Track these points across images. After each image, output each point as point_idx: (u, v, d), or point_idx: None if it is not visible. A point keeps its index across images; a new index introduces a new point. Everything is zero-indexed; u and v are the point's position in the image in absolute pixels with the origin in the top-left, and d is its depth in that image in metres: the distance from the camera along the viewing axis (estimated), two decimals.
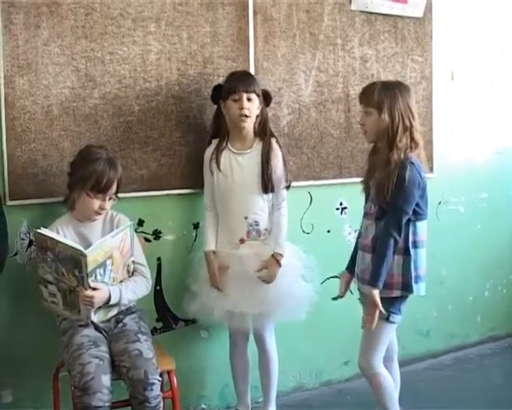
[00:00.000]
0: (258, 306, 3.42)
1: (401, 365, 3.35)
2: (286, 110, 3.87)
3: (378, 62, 4.18)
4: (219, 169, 3.45)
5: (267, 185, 3.44)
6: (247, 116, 3.40)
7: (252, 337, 3.63)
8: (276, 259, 3.43)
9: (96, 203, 3.08)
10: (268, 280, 3.41)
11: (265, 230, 3.48)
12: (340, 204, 4.15)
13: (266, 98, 3.54)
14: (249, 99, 3.40)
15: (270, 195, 3.48)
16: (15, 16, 3.17)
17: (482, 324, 4.92)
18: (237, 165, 3.45)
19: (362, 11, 4.09)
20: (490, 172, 4.83)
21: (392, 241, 3.00)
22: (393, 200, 3.00)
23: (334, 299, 3.32)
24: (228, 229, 3.49)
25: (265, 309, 3.44)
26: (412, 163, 3.02)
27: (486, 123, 4.79)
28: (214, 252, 3.51)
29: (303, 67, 3.94)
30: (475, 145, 4.75)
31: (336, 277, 3.87)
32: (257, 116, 3.47)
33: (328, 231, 4.12)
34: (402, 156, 3.01)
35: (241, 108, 3.39)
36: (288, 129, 3.89)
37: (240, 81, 3.43)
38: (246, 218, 3.45)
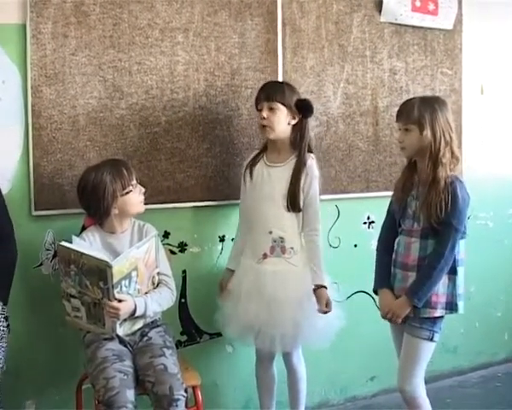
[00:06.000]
0: (281, 326, 3.27)
1: (427, 381, 3.29)
2: (314, 122, 3.80)
3: (407, 75, 4.13)
4: (251, 179, 3.39)
5: (292, 203, 3.30)
6: (265, 126, 3.30)
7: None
8: (320, 290, 3.27)
9: (136, 192, 3.09)
10: (326, 311, 3.26)
11: (291, 248, 3.33)
12: (368, 218, 4.10)
13: (302, 109, 3.34)
14: (271, 108, 3.28)
15: (300, 214, 3.35)
16: (44, 26, 3.16)
17: (510, 341, 4.84)
18: (268, 177, 3.35)
19: (391, 23, 4.05)
20: None
21: (444, 262, 2.94)
22: (447, 219, 2.93)
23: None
24: (252, 241, 3.39)
25: (289, 330, 3.29)
26: (461, 181, 2.98)
27: None
28: (232, 271, 3.45)
29: (331, 78, 3.90)
30: (505, 160, 4.69)
31: (363, 292, 3.85)
32: (293, 128, 3.35)
33: (355, 246, 4.07)
34: (448, 173, 2.95)
35: (262, 118, 3.30)
36: (316, 141, 3.82)
37: (262, 91, 3.36)
38: (270, 232, 3.32)
